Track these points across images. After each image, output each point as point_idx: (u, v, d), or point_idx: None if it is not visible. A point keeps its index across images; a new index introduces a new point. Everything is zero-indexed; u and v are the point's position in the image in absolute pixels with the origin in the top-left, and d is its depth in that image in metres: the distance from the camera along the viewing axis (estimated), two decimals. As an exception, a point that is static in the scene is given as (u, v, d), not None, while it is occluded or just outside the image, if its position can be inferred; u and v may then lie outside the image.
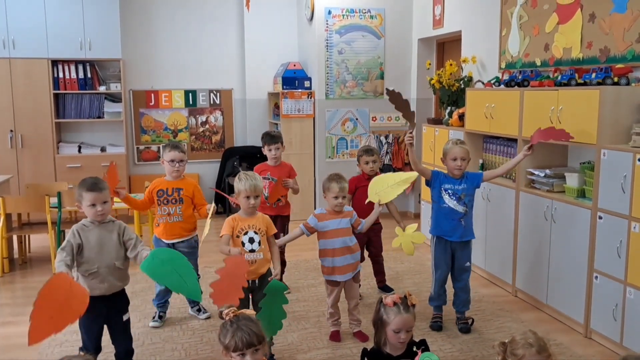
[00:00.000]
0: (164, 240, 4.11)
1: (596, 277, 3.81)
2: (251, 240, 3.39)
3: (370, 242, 4.63)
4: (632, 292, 3.53)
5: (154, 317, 4.17)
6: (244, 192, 3.39)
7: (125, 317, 3.24)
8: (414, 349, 2.75)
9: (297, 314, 4.33)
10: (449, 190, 3.96)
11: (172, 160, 4.05)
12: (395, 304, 2.74)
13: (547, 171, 4.40)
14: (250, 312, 2.53)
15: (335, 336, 3.88)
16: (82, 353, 3.04)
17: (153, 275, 2.78)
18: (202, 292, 4.30)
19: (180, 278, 2.72)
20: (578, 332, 4.00)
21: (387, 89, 3.98)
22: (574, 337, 3.95)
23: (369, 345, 2.97)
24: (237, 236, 3.39)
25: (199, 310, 4.28)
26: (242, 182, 3.41)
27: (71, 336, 3.90)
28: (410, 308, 2.75)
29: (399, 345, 2.74)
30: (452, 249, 4.04)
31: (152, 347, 3.80)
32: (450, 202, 3.96)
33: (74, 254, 2.98)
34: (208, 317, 4.24)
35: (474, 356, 3.65)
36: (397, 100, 3.80)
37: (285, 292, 3.11)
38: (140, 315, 4.25)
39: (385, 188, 3.79)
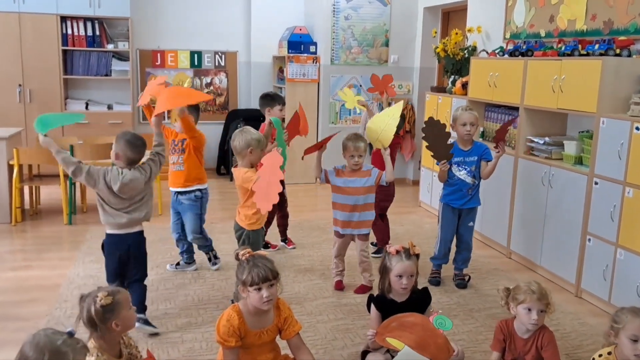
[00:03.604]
0: (171, 189, 4.30)
1: (589, 240, 4.02)
2: None
3: None
4: (622, 254, 3.75)
5: (179, 264, 4.45)
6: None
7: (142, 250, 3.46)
8: (424, 310, 2.95)
9: (303, 267, 4.54)
10: (460, 163, 4.13)
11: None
12: (398, 252, 2.95)
13: (547, 139, 4.57)
14: (264, 252, 2.73)
15: (339, 285, 4.10)
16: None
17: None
18: (212, 241, 4.50)
19: None
20: (569, 291, 4.22)
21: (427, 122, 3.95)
22: (566, 295, 4.18)
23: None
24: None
25: (209, 260, 4.46)
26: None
27: (88, 280, 4.10)
28: (412, 257, 2.95)
29: (402, 291, 2.95)
30: (459, 212, 4.24)
31: (165, 292, 4.00)
32: (459, 173, 4.13)
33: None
34: (218, 269, 4.43)
35: (470, 308, 3.87)
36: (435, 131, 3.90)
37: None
38: (152, 264, 4.40)
39: (382, 131, 3.91)
